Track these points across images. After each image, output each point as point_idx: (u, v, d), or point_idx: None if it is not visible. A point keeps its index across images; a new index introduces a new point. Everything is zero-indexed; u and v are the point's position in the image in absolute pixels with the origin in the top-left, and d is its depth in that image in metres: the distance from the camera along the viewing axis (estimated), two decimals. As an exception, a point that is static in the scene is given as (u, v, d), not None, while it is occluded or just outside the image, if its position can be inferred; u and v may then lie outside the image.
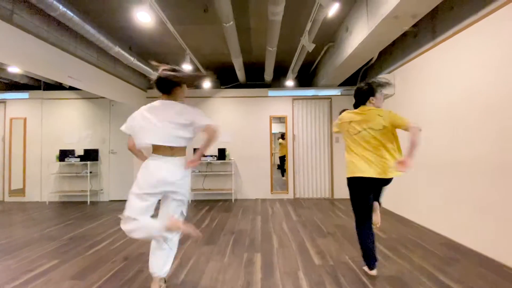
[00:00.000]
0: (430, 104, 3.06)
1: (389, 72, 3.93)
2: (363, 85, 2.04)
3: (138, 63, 3.95)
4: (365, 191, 1.96)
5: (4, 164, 5.11)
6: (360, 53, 3.36)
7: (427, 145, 3.10)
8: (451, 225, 2.73)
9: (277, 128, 8.24)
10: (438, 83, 2.92)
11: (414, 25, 3.25)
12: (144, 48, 4.18)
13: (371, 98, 2.00)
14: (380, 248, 2.48)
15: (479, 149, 2.38)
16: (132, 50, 4.01)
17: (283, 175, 7.02)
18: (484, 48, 2.32)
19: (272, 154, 5.24)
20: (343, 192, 5.06)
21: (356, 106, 2.08)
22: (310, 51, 3.20)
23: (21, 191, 5.06)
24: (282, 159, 7.38)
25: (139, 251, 2.47)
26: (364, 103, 2.03)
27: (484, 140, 2.32)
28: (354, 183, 1.97)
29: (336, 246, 2.58)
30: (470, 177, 2.48)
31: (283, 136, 6.68)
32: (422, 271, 2.01)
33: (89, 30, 2.92)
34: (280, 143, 7.34)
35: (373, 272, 1.96)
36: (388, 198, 4.03)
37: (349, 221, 3.43)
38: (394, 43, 3.86)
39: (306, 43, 3.02)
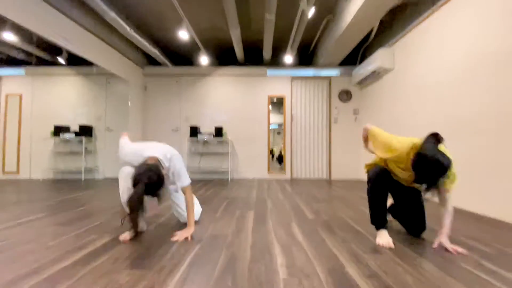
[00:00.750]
0: (432, 74, 2.99)
1: (389, 46, 3.87)
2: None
3: (135, 34, 3.90)
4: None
5: (-2, 141, 5.06)
6: (359, 22, 3.31)
7: (423, 114, 3.04)
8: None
9: (275, 119, 8.08)
10: (440, 51, 2.85)
11: (415, -8, 3.21)
12: (141, 19, 4.12)
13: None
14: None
15: (473, 110, 2.32)
16: (129, 20, 3.95)
17: (280, 164, 6.93)
18: (483, 12, 2.27)
19: (269, 134, 5.17)
20: (341, 172, 5.00)
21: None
22: (309, 16, 3.14)
23: (16, 168, 5.00)
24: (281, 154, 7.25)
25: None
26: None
27: (481, 101, 2.27)
28: None
29: (332, 208, 2.52)
30: (466, 139, 2.42)
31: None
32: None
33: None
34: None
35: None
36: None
37: (347, 193, 3.36)
38: (394, 15, 3.81)
39: (305, 7, 2.97)
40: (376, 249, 1.46)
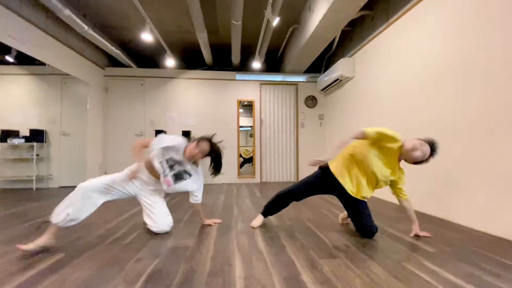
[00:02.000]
0: (388, 82, 3.23)
1: (350, 56, 4.11)
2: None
3: (93, 33, 3.67)
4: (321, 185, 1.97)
5: None
6: (322, 32, 3.47)
7: (380, 120, 3.28)
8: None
9: (245, 122, 8.13)
10: (393, 61, 3.09)
11: (371, 9, 3.45)
12: (100, 18, 3.90)
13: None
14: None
15: (429, 116, 2.55)
16: (86, 18, 3.71)
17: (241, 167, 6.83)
18: (433, 22, 2.50)
19: (239, 139, 5.18)
20: (308, 175, 5.17)
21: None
22: (274, 25, 3.22)
23: (-49, 178, 4.42)
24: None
25: (87, 222, 2.25)
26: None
27: (434, 108, 2.50)
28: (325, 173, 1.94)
29: (295, 212, 2.60)
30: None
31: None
32: (373, 226, 2.09)
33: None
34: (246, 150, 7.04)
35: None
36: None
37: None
38: (353, 28, 4.05)
39: (270, 16, 3.04)
40: (332, 253, 1.54)
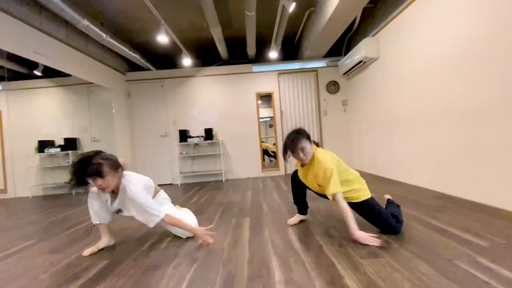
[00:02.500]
0: (413, 62, 2.98)
1: (373, 35, 3.84)
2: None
3: (112, 40, 3.74)
4: None
5: (-19, 161, 4.86)
6: (341, 13, 3.24)
7: (410, 101, 3.05)
8: (438, 179, 2.70)
9: (265, 113, 8.05)
10: (422, 38, 2.83)
11: (395, -21, 3.15)
12: (117, 24, 3.96)
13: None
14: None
15: (463, 97, 2.32)
16: (104, 26, 3.78)
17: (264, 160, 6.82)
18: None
19: (260, 132, 5.13)
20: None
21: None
22: (290, 11, 3.06)
23: (3, 188, 4.84)
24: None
25: (122, 226, 2.35)
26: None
27: (471, 87, 2.27)
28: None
29: (327, 206, 2.52)
30: (449, 126, 2.43)
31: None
32: (414, 219, 1.97)
33: (53, 1, 2.71)
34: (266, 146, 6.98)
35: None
36: (377, 163, 4.01)
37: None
38: (375, 4, 3.76)
39: (285, 2, 2.88)
40: (372, 252, 1.46)
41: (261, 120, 5.31)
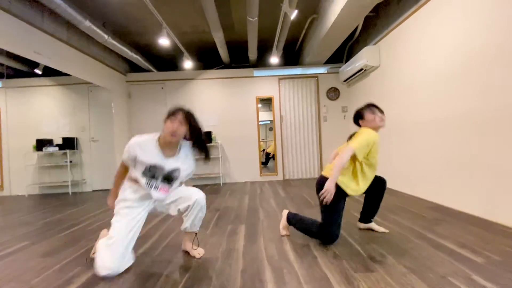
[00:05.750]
0: (414, 71, 2.99)
1: (374, 44, 3.85)
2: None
3: (114, 41, 3.74)
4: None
5: (-22, 158, 4.85)
6: (343, 21, 3.26)
7: (410, 111, 3.05)
8: (437, 191, 2.70)
9: (265, 116, 8.07)
10: (424, 48, 2.84)
11: (397, -11, 3.17)
12: (119, 25, 3.97)
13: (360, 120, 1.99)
14: (368, 213, 2.42)
15: (462, 108, 2.33)
16: (106, 27, 3.79)
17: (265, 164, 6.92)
18: (468, 7, 2.25)
19: (259, 136, 5.13)
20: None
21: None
22: (292, 18, 3.07)
23: (-1, 185, 4.83)
24: (268, 155, 7.28)
25: (117, 229, 2.33)
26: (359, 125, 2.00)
27: (469, 98, 2.27)
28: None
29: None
30: (453, 138, 2.43)
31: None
32: (410, 232, 1.96)
33: (55, 1, 2.72)
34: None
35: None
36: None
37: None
38: (377, 13, 3.78)
39: (287, 10, 2.89)
40: (367, 266, 1.45)
41: (261, 123, 5.32)
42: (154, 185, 1.56)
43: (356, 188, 1.77)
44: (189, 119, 1.51)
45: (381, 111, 1.90)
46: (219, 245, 1.87)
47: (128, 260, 1.54)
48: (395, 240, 1.81)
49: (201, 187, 4.60)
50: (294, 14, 2.98)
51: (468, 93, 2.28)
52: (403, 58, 3.22)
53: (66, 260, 1.74)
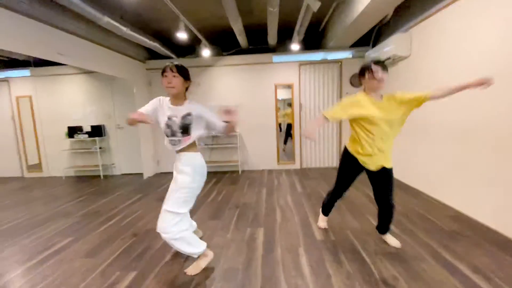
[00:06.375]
0: (449, 66, 2.75)
1: (405, 30, 3.52)
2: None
3: (132, 33, 3.70)
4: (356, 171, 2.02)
5: (18, 142, 5.29)
6: (373, 10, 2.98)
7: (440, 112, 2.87)
8: (459, 196, 2.64)
9: (285, 94, 7.86)
10: (459, 42, 2.58)
11: (438, -27, 2.81)
12: (136, 16, 3.89)
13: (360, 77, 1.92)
14: (384, 222, 2.45)
15: (493, 117, 2.16)
16: (124, 19, 3.73)
17: (285, 143, 6.87)
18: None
19: (278, 125, 5.10)
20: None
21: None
22: (315, 11, 2.85)
23: (38, 167, 5.30)
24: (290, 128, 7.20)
25: (146, 228, 2.57)
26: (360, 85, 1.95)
27: (502, 107, 2.10)
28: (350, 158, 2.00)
29: (338, 219, 2.58)
30: (481, 145, 2.30)
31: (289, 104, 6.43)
32: (426, 249, 1.98)
33: (73, 1, 2.70)
34: (285, 113, 6.98)
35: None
36: (397, 167, 3.92)
37: (353, 192, 3.39)
38: (413, -4, 3.39)
39: (311, 2, 2.68)
40: (379, 287, 1.53)
41: (280, 99, 5.28)
42: (176, 140, 1.73)
43: (361, 151, 1.90)
44: (177, 68, 1.68)
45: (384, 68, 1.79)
46: (240, 254, 2.02)
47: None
48: (409, 259, 1.86)
49: (221, 174, 4.79)
50: (317, 7, 2.76)
51: (507, 98, 2.09)
52: (438, 50, 2.94)
53: (106, 262, 1.98)
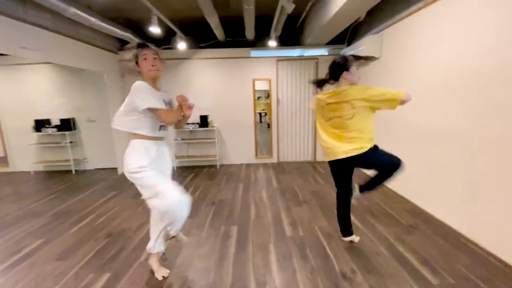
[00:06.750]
0: (419, 69, 2.89)
1: (377, 32, 3.66)
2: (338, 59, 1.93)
3: (102, 23, 3.53)
4: (341, 171, 2.02)
5: (-21, 135, 4.94)
6: (347, 12, 3.05)
7: (410, 113, 3.06)
8: (418, 192, 2.89)
9: (263, 86, 7.88)
10: (429, 46, 2.69)
11: (406, -20, 2.92)
12: (107, 5, 3.69)
13: (345, 72, 1.89)
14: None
15: (459, 120, 2.37)
16: (92, 9, 3.54)
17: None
18: (482, 10, 2.12)
19: (255, 120, 5.16)
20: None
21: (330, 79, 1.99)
22: (289, 13, 2.88)
23: (4, 161, 5.01)
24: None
25: (121, 227, 2.58)
26: (337, 79, 1.94)
27: (467, 112, 2.30)
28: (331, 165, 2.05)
29: (309, 215, 2.74)
30: (445, 146, 2.53)
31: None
32: (383, 241, 2.19)
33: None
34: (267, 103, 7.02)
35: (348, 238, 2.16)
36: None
37: (326, 187, 3.58)
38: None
39: (285, 4, 2.70)
40: (338, 284, 1.70)
41: (258, 90, 5.36)
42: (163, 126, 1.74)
43: (321, 143, 2.01)
44: (157, 52, 1.65)
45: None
46: (213, 252, 2.11)
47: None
48: (367, 252, 2.05)
49: (198, 169, 4.82)
50: (291, 9, 2.79)
51: (475, 101, 2.22)
52: (406, 54, 3.09)
53: (79, 265, 1.99)
